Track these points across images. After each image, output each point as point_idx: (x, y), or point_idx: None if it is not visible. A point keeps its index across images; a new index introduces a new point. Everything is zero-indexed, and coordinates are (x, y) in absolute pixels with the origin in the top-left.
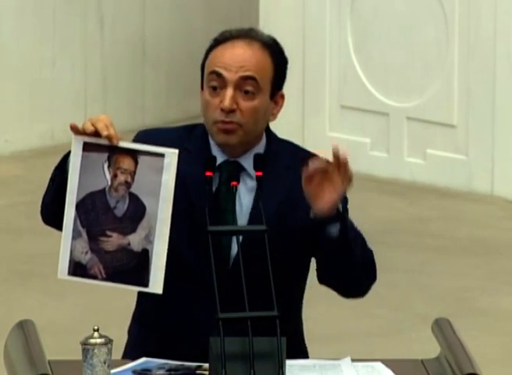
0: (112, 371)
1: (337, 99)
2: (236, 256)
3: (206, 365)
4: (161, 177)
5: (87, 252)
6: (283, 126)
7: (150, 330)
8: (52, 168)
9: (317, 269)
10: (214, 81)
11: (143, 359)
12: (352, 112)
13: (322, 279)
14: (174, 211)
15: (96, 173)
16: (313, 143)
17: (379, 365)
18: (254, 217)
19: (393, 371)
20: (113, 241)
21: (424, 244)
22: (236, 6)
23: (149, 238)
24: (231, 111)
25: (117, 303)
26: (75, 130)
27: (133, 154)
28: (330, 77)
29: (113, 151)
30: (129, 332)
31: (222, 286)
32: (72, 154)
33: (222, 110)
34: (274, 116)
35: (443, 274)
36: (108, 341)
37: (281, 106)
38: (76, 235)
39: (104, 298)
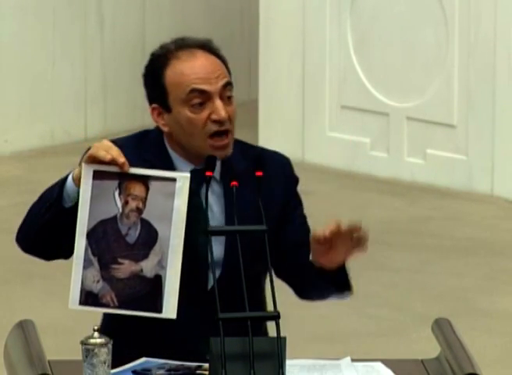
0: (112, 371)
1: (337, 99)
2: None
3: (206, 365)
4: (173, 202)
5: (98, 281)
6: (283, 127)
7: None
8: (51, 168)
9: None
10: (197, 98)
11: (143, 359)
12: (352, 112)
13: (280, 273)
14: None
15: (107, 201)
16: (313, 143)
17: (379, 365)
18: (228, 219)
19: (393, 371)
20: (125, 268)
21: (424, 244)
22: (236, 6)
23: (162, 264)
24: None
25: None
26: (90, 159)
27: (144, 180)
28: (330, 77)
29: (123, 178)
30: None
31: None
32: (82, 183)
33: (215, 121)
34: None
35: (443, 274)
36: (108, 341)
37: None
38: (87, 264)
39: None
